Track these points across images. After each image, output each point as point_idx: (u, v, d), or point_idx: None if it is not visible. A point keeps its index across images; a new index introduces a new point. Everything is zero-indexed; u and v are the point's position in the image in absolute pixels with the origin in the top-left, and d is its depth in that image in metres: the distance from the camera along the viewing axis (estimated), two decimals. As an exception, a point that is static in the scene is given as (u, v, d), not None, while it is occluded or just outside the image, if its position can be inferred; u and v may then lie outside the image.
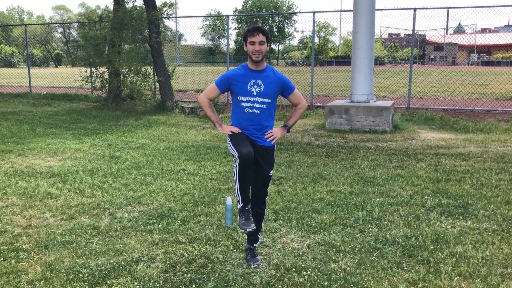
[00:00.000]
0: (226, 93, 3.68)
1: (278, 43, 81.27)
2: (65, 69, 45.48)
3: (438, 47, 63.17)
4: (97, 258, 3.73)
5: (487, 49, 60.45)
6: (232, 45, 72.53)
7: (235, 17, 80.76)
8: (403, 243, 3.98)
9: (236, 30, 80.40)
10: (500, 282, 3.33)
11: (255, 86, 3.45)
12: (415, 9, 11.89)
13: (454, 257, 3.72)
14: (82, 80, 13.85)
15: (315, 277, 3.41)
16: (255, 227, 3.44)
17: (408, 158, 7.23)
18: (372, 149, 7.94)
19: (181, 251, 3.86)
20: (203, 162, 7.01)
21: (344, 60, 51.49)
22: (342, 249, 3.88)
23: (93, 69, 14.02)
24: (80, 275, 3.46)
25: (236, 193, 3.44)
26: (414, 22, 12.08)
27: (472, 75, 22.94)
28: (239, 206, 3.47)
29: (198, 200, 5.18)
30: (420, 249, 3.87)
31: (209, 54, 75.88)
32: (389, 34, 75.58)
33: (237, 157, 3.33)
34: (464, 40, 56.86)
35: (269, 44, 3.46)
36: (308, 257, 3.76)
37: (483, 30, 73.25)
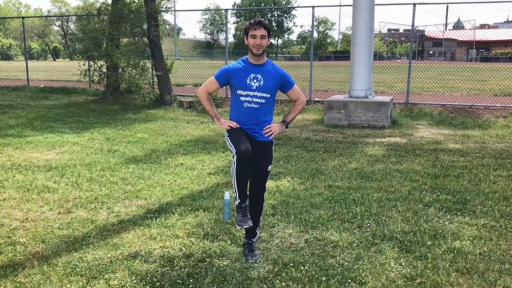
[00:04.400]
0: (224, 87, 3.66)
1: (277, 38, 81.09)
2: (63, 63, 45.31)
3: (437, 42, 63.08)
4: (94, 252, 3.72)
5: (486, 45, 60.38)
6: (230, 39, 72.36)
7: (234, 11, 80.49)
8: (401, 239, 3.98)
9: (235, 24, 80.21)
10: (498, 278, 3.33)
11: (255, 81, 3.43)
12: (414, 4, 11.85)
13: (452, 253, 3.72)
14: (80, 74, 13.78)
15: (313, 272, 3.41)
16: (252, 224, 3.43)
17: (407, 154, 7.23)
18: (370, 145, 7.94)
19: (179, 246, 3.85)
20: (201, 156, 6.99)
21: (343, 55, 51.44)
22: (340, 244, 3.88)
23: (91, 62, 13.96)
24: (77, 269, 3.45)
25: (234, 189, 3.43)
26: (413, 17, 12.04)
27: (470, 71, 22.93)
28: (237, 202, 3.46)
29: (196, 195, 5.17)
30: (418, 244, 3.87)
31: (207, 48, 75.70)
32: (388, 29, 75.51)
33: (235, 154, 3.32)
34: (463, 36, 56.76)
35: (269, 39, 3.44)
36: (306, 252, 3.76)
37: (482, 26, 73.17)
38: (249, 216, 3.43)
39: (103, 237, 4.03)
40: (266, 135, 3.53)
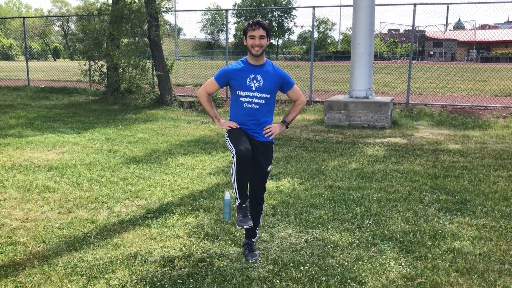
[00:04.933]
0: (225, 87, 3.67)
1: (277, 38, 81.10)
2: (64, 63, 45.33)
3: (438, 43, 63.02)
4: (95, 252, 3.73)
5: (486, 46, 60.33)
6: (231, 39, 72.42)
7: (235, 12, 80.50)
8: (401, 239, 3.98)
9: (235, 25, 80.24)
10: (497, 278, 3.34)
11: (255, 81, 3.43)
12: (415, 5, 11.85)
13: (451, 253, 3.72)
14: (81, 74, 13.79)
15: (313, 272, 3.41)
16: (252, 224, 3.44)
17: (407, 154, 7.23)
18: (370, 145, 7.94)
19: (179, 246, 3.86)
20: (202, 156, 7.00)
21: (343, 55, 51.43)
22: (340, 245, 3.88)
23: (92, 62, 13.97)
24: (78, 269, 3.46)
25: (234, 189, 3.43)
26: (414, 18, 12.04)
27: (471, 71, 22.91)
28: (237, 203, 3.46)
29: (196, 195, 5.17)
30: (418, 245, 3.88)
31: (208, 49, 75.71)
32: (389, 29, 75.51)
33: (234, 154, 3.32)
34: (463, 36, 56.73)
35: (268, 39, 3.44)
36: (306, 252, 3.76)
37: (483, 26, 73.17)
38: (249, 216, 3.43)
39: (104, 237, 4.04)
40: (266, 135, 3.53)
